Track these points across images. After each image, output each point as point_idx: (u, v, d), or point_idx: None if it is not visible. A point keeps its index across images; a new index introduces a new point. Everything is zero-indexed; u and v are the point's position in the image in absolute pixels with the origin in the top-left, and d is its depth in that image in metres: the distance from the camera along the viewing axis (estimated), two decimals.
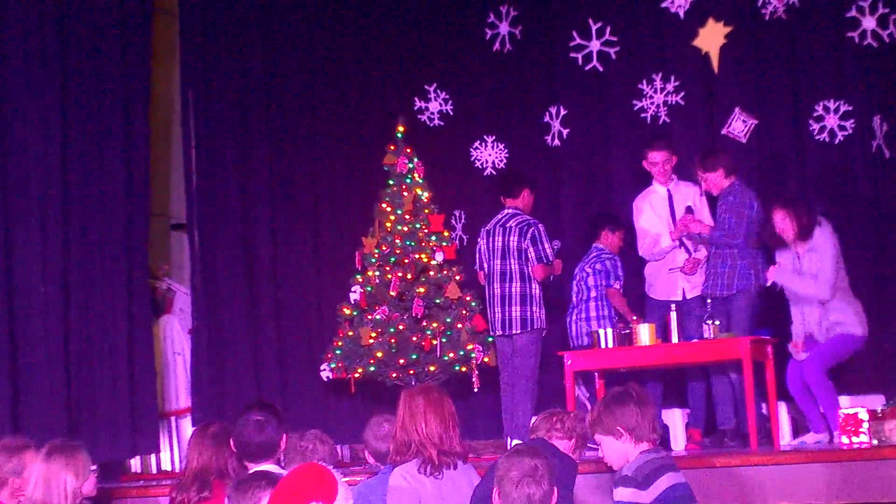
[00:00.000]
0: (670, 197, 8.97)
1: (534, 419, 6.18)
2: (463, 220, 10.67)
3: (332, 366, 9.50)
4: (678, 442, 8.50)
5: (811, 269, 7.93)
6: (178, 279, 10.65)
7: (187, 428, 9.77)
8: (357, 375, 9.44)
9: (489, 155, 10.74)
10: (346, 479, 4.27)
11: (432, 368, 9.33)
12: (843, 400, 7.82)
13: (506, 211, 9.10)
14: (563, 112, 10.45)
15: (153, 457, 9.83)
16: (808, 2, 9.59)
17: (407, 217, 9.71)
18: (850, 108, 9.39)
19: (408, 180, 9.81)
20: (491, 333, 9.14)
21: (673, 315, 8.33)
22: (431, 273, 9.59)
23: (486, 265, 9.07)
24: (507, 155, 10.71)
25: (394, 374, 9.38)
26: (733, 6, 9.87)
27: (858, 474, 6.49)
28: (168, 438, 10.06)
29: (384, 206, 9.77)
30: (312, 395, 9.99)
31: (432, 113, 10.85)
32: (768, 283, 8.16)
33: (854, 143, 9.21)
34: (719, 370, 8.57)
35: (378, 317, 9.40)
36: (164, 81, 10.41)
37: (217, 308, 9.78)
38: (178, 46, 10.10)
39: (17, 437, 6.39)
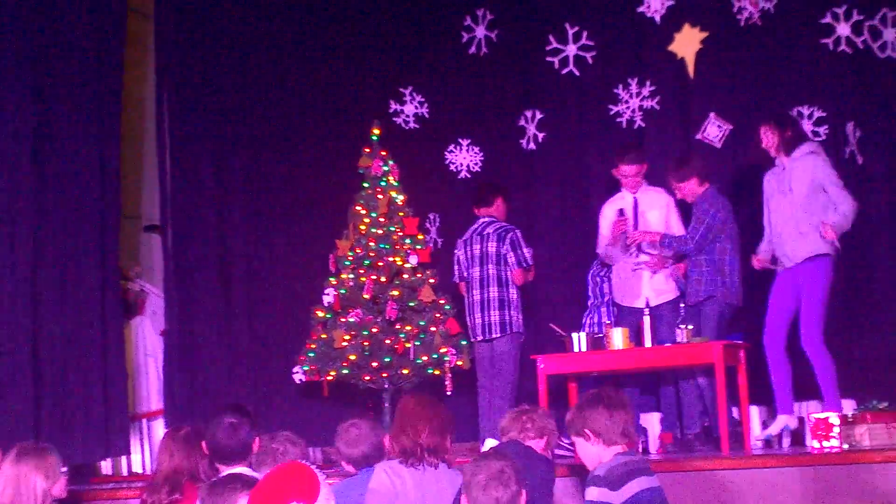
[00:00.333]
0: (636, 204, 8.96)
1: (503, 420, 6.17)
2: (437, 224, 10.66)
3: (305, 368, 9.47)
4: (655, 446, 8.51)
5: (799, 179, 7.98)
6: (151, 281, 10.59)
7: (159, 430, 9.72)
8: (330, 378, 9.42)
9: (464, 158, 10.74)
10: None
11: (405, 371, 9.33)
12: (814, 405, 7.84)
13: (481, 220, 9.18)
14: (538, 116, 10.45)
15: (124, 459, 9.76)
16: (782, 8, 9.63)
17: (381, 220, 9.70)
18: (824, 114, 9.44)
19: (382, 183, 9.81)
20: (470, 339, 9.17)
21: (646, 319, 8.35)
22: (405, 276, 9.58)
23: (465, 274, 9.14)
24: (482, 158, 10.71)
25: (367, 377, 9.38)
26: (709, 12, 9.89)
27: (829, 479, 6.51)
28: (140, 440, 10.00)
29: (358, 208, 9.76)
30: (285, 398, 9.94)
31: (408, 116, 10.84)
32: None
33: (828, 148, 9.22)
34: (687, 375, 8.58)
35: (351, 319, 9.39)
36: (138, 82, 10.36)
37: (190, 310, 9.72)
38: (153, 47, 10.05)
39: None
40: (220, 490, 4.50)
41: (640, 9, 10.08)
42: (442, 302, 9.50)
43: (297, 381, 9.60)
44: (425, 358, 9.31)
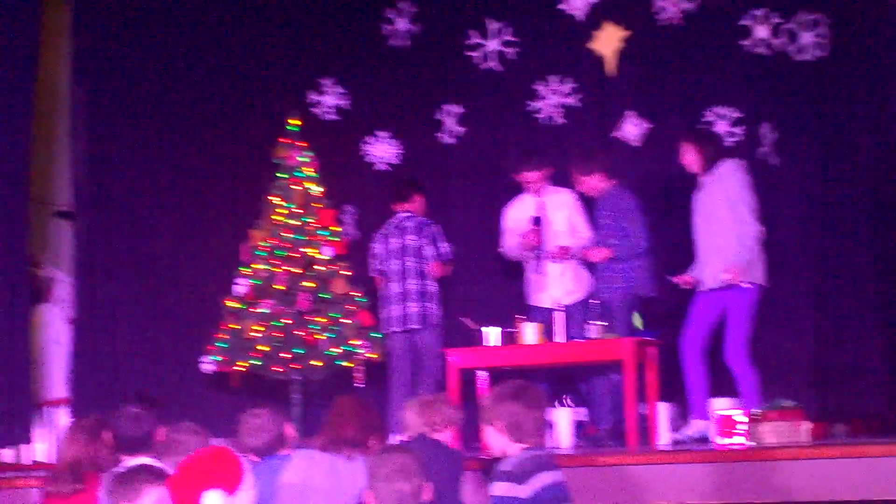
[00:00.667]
0: (542, 207, 8.96)
1: (407, 414, 6.17)
2: (354, 216, 10.59)
3: (216, 359, 9.38)
4: (564, 441, 8.52)
5: (716, 198, 7.97)
6: (60, 268, 10.43)
7: (63, 418, 9.60)
8: (240, 369, 9.34)
9: (382, 151, 10.68)
10: None
11: (317, 363, 9.26)
12: (720, 402, 7.91)
13: (400, 214, 9.22)
14: (458, 111, 10.43)
15: (27, 447, 9.62)
16: (703, 9, 9.69)
17: (297, 211, 9.62)
18: (741, 115, 9.52)
19: (299, 174, 9.72)
20: (383, 330, 9.15)
21: (558, 315, 8.35)
22: (319, 268, 9.51)
23: (382, 267, 9.15)
24: (400, 152, 10.65)
25: (278, 369, 9.30)
26: (630, 11, 9.93)
27: (734, 475, 6.56)
28: (44, 429, 9.86)
29: (274, 198, 9.68)
30: (195, 388, 9.84)
31: (327, 107, 10.74)
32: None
33: (743, 149, 9.30)
34: (597, 371, 8.61)
35: (264, 310, 9.31)
36: (53, 66, 10.20)
37: (99, 298, 9.67)
38: (70, 32, 9.92)
39: None
40: (127, 481, 4.43)
41: (562, 6, 10.08)
42: (355, 294, 9.45)
43: (206, 372, 9.49)
44: (337, 350, 9.26)
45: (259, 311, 9.32)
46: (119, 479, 4.48)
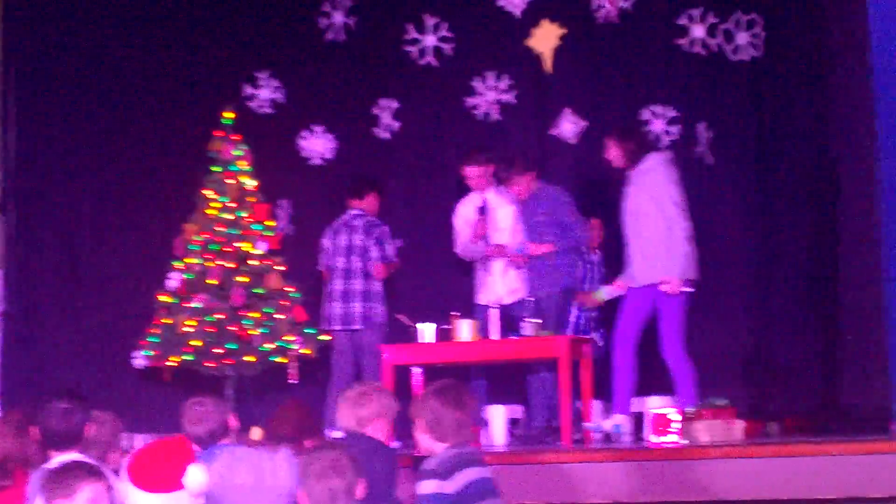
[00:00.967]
0: (486, 203, 8.95)
1: (338, 410, 6.12)
2: (288, 211, 10.51)
3: (148, 354, 9.29)
4: (497, 438, 8.51)
5: (642, 193, 7.97)
6: None
7: None
8: (173, 364, 9.25)
9: (317, 145, 10.60)
10: None
11: (250, 359, 9.20)
12: (654, 400, 7.93)
13: (351, 211, 9.19)
14: (394, 106, 10.38)
15: None
16: (640, 7, 9.73)
17: (231, 205, 9.54)
18: (678, 115, 9.58)
19: (233, 168, 9.64)
20: (323, 327, 9.11)
21: (493, 312, 8.35)
22: (253, 262, 9.44)
23: (329, 262, 9.13)
24: (335, 146, 10.58)
25: (210, 364, 9.22)
26: (568, 9, 9.95)
27: (667, 473, 6.59)
28: None
29: (208, 192, 9.58)
30: (127, 383, 9.73)
31: (262, 100, 10.65)
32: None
33: (679, 148, 9.34)
34: (533, 368, 8.61)
35: (196, 305, 9.22)
36: None
37: (31, 291, 9.57)
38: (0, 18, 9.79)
39: None
40: (60, 478, 4.38)
41: (500, 3, 10.07)
42: (289, 290, 9.39)
43: (137, 367, 9.40)
44: (271, 346, 9.19)
45: (192, 305, 9.25)
46: (53, 475, 4.44)
